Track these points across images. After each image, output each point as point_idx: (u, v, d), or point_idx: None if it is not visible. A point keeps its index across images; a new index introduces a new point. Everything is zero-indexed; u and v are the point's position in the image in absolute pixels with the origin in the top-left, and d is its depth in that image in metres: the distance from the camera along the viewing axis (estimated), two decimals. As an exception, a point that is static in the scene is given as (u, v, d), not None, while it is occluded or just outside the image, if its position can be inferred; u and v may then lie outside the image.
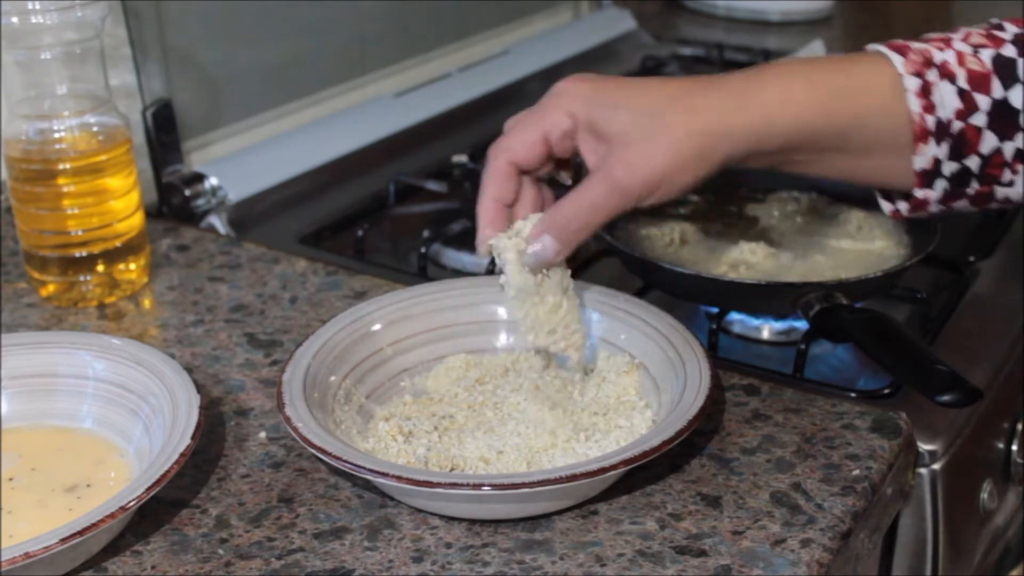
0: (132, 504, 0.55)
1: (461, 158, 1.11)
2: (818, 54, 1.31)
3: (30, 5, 0.77)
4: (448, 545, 0.58)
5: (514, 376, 0.69)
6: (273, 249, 0.90)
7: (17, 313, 0.82)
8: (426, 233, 0.92)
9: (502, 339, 0.72)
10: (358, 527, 0.59)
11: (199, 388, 0.64)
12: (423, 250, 0.89)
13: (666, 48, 1.48)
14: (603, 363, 0.69)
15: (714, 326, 0.77)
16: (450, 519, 0.60)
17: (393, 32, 1.21)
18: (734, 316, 0.82)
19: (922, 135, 0.58)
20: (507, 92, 1.28)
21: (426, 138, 1.16)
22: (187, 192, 0.98)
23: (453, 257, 0.93)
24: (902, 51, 0.59)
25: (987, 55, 0.59)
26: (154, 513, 0.61)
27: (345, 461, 0.57)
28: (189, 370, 0.66)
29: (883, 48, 0.60)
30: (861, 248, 0.83)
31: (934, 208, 0.61)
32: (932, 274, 0.86)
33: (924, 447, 0.68)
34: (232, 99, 1.06)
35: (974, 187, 0.60)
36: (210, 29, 1.02)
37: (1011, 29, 0.60)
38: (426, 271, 0.89)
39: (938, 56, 0.59)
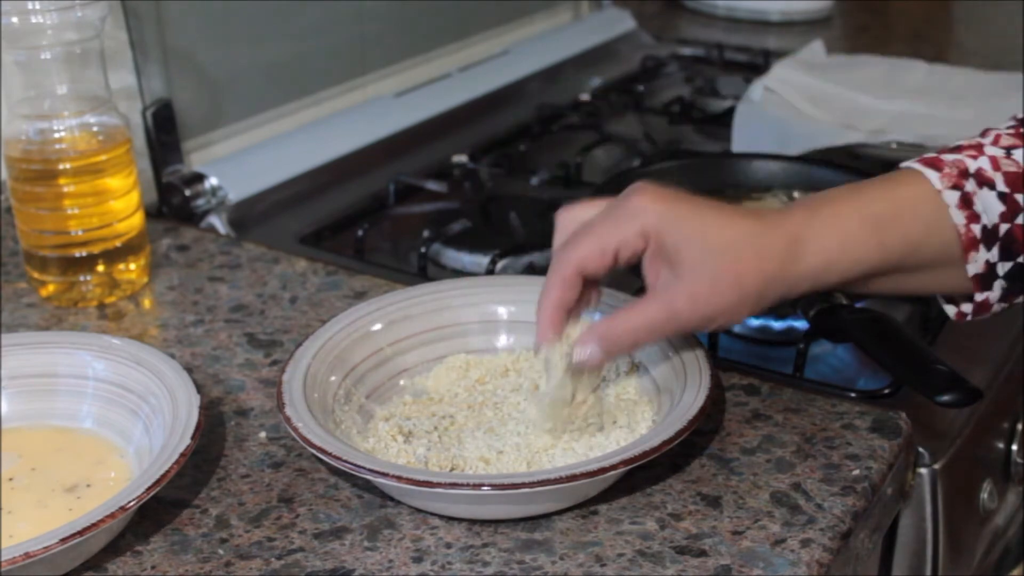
0: (132, 504, 0.55)
1: (461, 158, 1.11)
2: (818, 54, 1.31)
3: (30, 5, 0.77)
4: (448, 545, 0.58)
5: (514, 376, 0.70)
6: (273, 249, 0.90)
7: (17, 313, 0.82)
8: (426, 233, 0.92)
9: (502, 339, 0.72)
10: (358, 527, 0.59)
11: (199, 388, 0.64)
12: (423, 250, 0.89)
13: (666, 48, 1.48)
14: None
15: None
16: (450, 519, 0.60)
17: (393, 32, 1.21)
18: (734, 316, 0.81)
19: (971, 244, 0.59)
20: (507, 92, 1.28)
21: (426, 138, 1.16)
22: (187, 192, 0.98)
23: (453, 257, 0.93)
24: (936, 166, 0.60)
25: (1020, 155, 0.60)
26: (154, 513, 0.61)
27: (345, 461, 0.57)
28: (189, 370, 0.66)
29: (917, 166, 0.60)
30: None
31: (996, 308, 0.62)
32: (932, 274, 0.86)
33: (924, 447, 0.68)
34: (232, 99, 1.06)
35: None
36: (210, 29, 1.02)
37: None
38: (426, 271, 0.89)
39: (972, 165, 0.59)
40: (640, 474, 0.62)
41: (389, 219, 1.01)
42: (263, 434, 0.67)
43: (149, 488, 0.56)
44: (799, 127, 1.08)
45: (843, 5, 1.64)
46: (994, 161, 0.59)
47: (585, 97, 1.28)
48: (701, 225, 0.58)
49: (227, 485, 0.63)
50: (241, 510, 0.61)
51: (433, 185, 1.04)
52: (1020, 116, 0.62)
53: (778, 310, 0.79)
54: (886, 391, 0.71)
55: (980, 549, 0.78)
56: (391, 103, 1.18)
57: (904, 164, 0.61)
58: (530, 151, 1.13)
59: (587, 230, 0.60)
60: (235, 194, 1.00)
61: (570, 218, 0.62)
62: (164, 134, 0.99)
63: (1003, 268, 0.60)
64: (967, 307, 0.63)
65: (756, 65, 1.39)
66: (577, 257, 0.59)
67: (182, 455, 0.58)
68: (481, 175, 1.07)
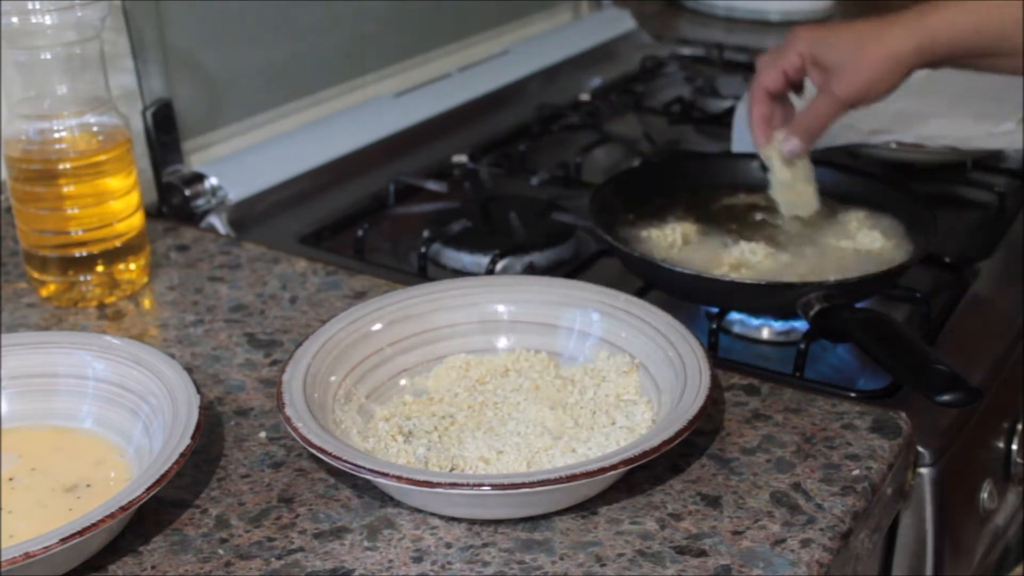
0: (132, 504, 0.55)
1: (461, 158, 1.11)
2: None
3: (30, 5, 0.77)
4: (448, 545, 0.58)
5: (514, 376, 0.70)
6: (273, 249, 0.90)
7: (17, 313, 0.82)
8: (426, 233, 0.92)
9: (502, 339, 0.72)
10: (358, 527, 0.59)
11: (199, 388, 0.64)
12: (423, 250, 0.89)
13: (666, 48, 1.48)
14: (603, 363, 0.69)
15: (714, 326, 0.77)
16: (450, 519, 0.60)
17: (393, 32, 1.21)
18: (734, 316, 0.81)
19: None
20: (507, 92, 1.28)
21: (426, 138, 1.16)
22: (187, 192, 0.98)
23: (453, 257, 0.93)
24: None
25: None
26: (154, 513, 0.61)
27: (345, 461, 0.57)
28: (189, 370, 0.66)
29: None
30: (861, 248, 0.83)
31: None
32: (932, 274, 0.86)
33: (924, 447, 0.68)
34: (232, 99, 1.06)
35: None
36: (210, 29, 1.02)
37: None
38: (426, 271, 0.89)
39: None
40: (640, 474, 0.62)
41: (389, 219, 1.01)
42: (263, 434, 0.67)
43: (149, 488, 0.56)
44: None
45: (843, 5, 1.64)
46: None
47: (585, 97, 1.28)
48: (837, 34, 0.82)
49: (227, 485, 0.63)
50: (241, 510, 0.61)
51: (433, 185, 1.04)
52: None
53: (778, 310, 0.79)
54: (886, 391, 0.71)
55: (980, 549, 0.78)
56: (391, 103, 1.18)
57: None
58: (530, 151, 1.13)
59: (765, 62, 0.86)
60: (235, 194, 1.00)
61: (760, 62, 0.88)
62: (164, 134, 0.99)
63: None
64: None
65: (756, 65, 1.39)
66: (761, 80, 0.86)
67: (182, 455, 0.58)
68: (481, 175, 1.07)
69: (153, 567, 0.57)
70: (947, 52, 0.80)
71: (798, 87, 0.88)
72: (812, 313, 0.73)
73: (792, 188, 0.86)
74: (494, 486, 0.55)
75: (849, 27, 0.82)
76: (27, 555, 0.51)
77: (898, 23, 0.80)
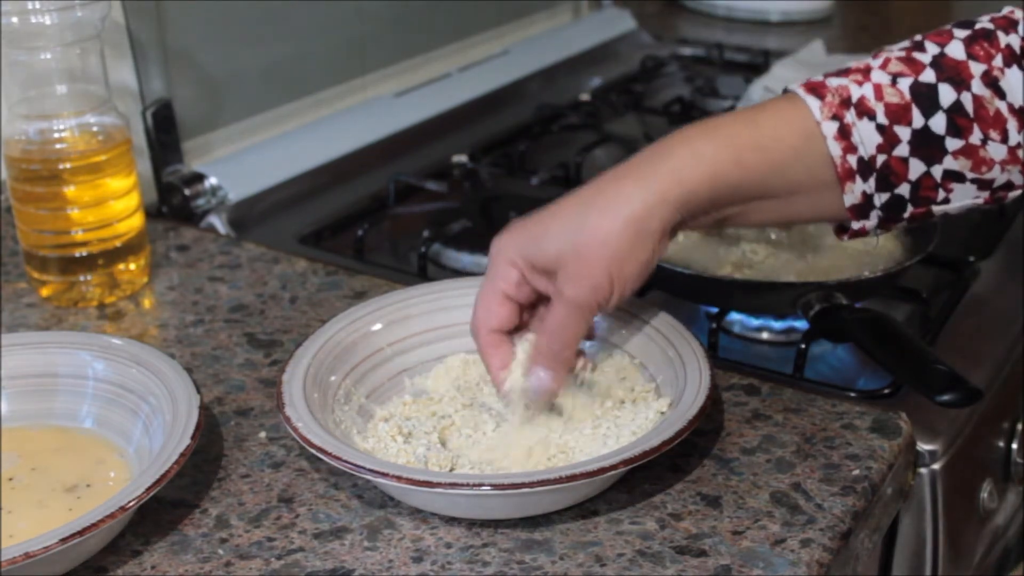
0: (132, 504, 0.55)
1: (461, 158, 1.11)
2: (818, 54, 1.31)
3: (30, 5, 0.77)
4: (448, 545, 0.58)
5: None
6: (273, 249, 0.90)
7: (17, 313, 0.82)
8: (426, 233, 0.92)
9: (502, 339, 0.72)
10: (358, 527, 0.59)
11: (199, 388, 0.64)
12: (423, 250, 0.89)
13: (666, 48, 1.48)
14: (603, 363, 0.69)
15: (714, 326, 0.77)
16: (450, 519, 0.60)
17: (393, 32, 1.21)
18: (734, 316, 0.81)
19: (847, 175, 0.59)
20: (507, 92, 1.28)
21: (426, 138, 1.16)
22: (187, 192, 0.98)
23: (453, 257, 0.93)
24: (820, 93, 0.60)
25: (905, 84, 0.59)
26: (154, 513, 0.61)
27: (345, 461, 0.57)
28: (189, 370, 0.66)
29: (800, 91, 0.60)
30: (861, 248, 0.83)
31: (873, 233, 0.63)
32: (932, 274, 0.86)
33: (924, 447, 0.68)
34: (232, 99, 1.06)
35: (909, 211, 0.61)
36: (210, 29, 1.02)
37: (931, 49, 0.60)
38: (426, 271, 0.89)
39: (855, 92, 0.59)
40: (640, 474, 0.62)
41: (389, 219, 1.01)
42: (263, 434, 0.67)
43: (149, 488, 0.56)
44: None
45: (843, 5, 1.64)
46: (878, 90, 0.59)
47: (585, 97, 1.28)
48: (546, 222, 0.61)
49: (227, 485, 0.63)
50: (241, 510, 0.61)
51: (433, 185, 1.04)
52: (916, 37, 0.61)
53: (778, 310, 0.79)
54: (886, 391, 0.71)
55: (980, 549, 0.78)
56: (391, 103, 1.18)
57: (791, 87, 0.61)
58: (530, 151, 1.12)
59: (478, 294, 0.65)
60: (235, 194, 1.00)
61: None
62: (164, 134, 0.99)
63: (880, 199, 0.60)
64: (844, 235, 0.63)
65: (756, 65, 1.39)
66: (480, 321, 0.64)
67: (182, 455, 0.58)
68: (481, 175, 1.07)
69: (153, 567, 0.57)
70: (708, 197, 0.60)
71: (540, 297, 0.65)
72: (812, 313, 0.73)
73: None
74: (494, 486, 0.55)
75: (566, 204, 0.61)
76: (27, 555, 0.51)
77: (628, 177, 0.60)
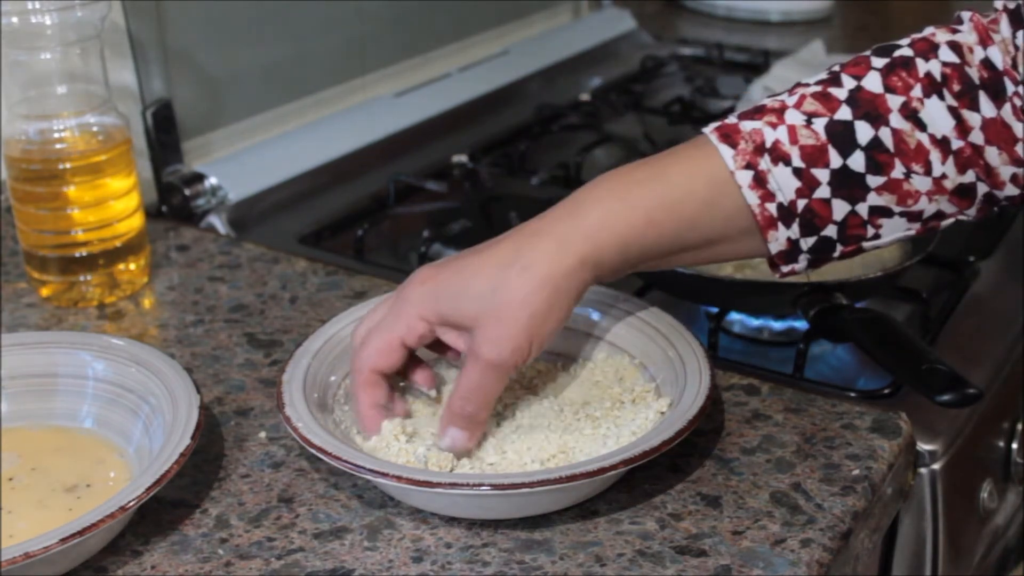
0: (132, 504, 0.55)
1: (461, 158, 1.11)
2: (818, 54, 1.31)
3: (30, 5, 0.77)
4: (448, 545, 0.58)
5: (514, 376, 0.69)
6: (273, 249, 0.90)
7: (17, 313, 0.82)
8: (426, 233, 0.92)
9: (502, 339, 0.72)
10: (358, 527, 0.59)
11: (199, 388, 0.64)
12: (423, 250, 0.89)
13: (666, 48, 1.48)
14: (603, 363, 0.69)
15: (714, 326, 0.77)
16: (450, 519, 0.60)
17: (393, 32, 1.21)
18: (734, 316, 0.81)
19: (768, 223, 0.58)
20: (507, 92, 1.28)
21: (426, 138, 1.16)
22: (187, 192, 0.98)
23: (453, 257, 0.93)
24: (732, 139, 0.58)
25: (820, 124, 0.57)
26: (154, 513, 0.61)
27: (345, 461, 0.57)
28: (189, 370, 0.66)
29: (713, 138, 0.59)
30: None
31: (804, 272, 0.62)
32: (932, 274, 0.86)
33: (924, 447, 0.68)
34: (232, 99, 1.06)
35: (839, 250, 0.60)
36: (210, 29, 1.02)
37: (847, 83, 0.58)
38: (426, 271, 0.89)
39: (769, 137, 0.58)
40: (640, 474, 0.62)
41: (389, 219, 1.01)
42: (263, 434, 0.67)
43: (149, 488, 0.56)
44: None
45: (843, 5, 1.64)
46: (792, 131, 0.57)
47: (585, 97, 1.28)
48: (464, 279, 0.59)
49: (227, 485, 0.63)
50: (241, 510, 0.61)
51: (433, 185, 1.04)
52: (834, 67, 0.59)
53: (778, 310, 0.79)
54: (886, 391, 0.71)
55: (980, 549, 0.78)
56: (391, 103, 1.17)
57: (705, 129, 0.60)
58: (530, 151, 1.12)
59: (374, 330, 0.62)
60: (235, 194, 1.00)
61: (363, 328, 0.64)
62: (164, 134, 0.99)
63: (807, 243, 0.59)
64: (776, 272, 0.62)
65: (756, 65, 1.39)
66: (369, 360, 0.62)
67: (182, 455, 0.58)
68: (481, 175, 1.07)
69: (153, 567, 0.57)
70: (621, 258, 0.59)
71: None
72: (812, 313, 0.73)
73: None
74: (494, 486, 0.55)
75: (480, 259, 0.60)
76: (27, 555, 0.51)
77: (545, 236, 0.59)
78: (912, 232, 0.60)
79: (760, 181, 0.58)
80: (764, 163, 0.57)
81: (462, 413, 0.60)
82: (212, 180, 0.99)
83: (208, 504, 0.62)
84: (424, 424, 0.65)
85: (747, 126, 0.59)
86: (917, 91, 0.57)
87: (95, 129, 0.81)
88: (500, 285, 0.58)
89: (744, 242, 0.60)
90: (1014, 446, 0.79)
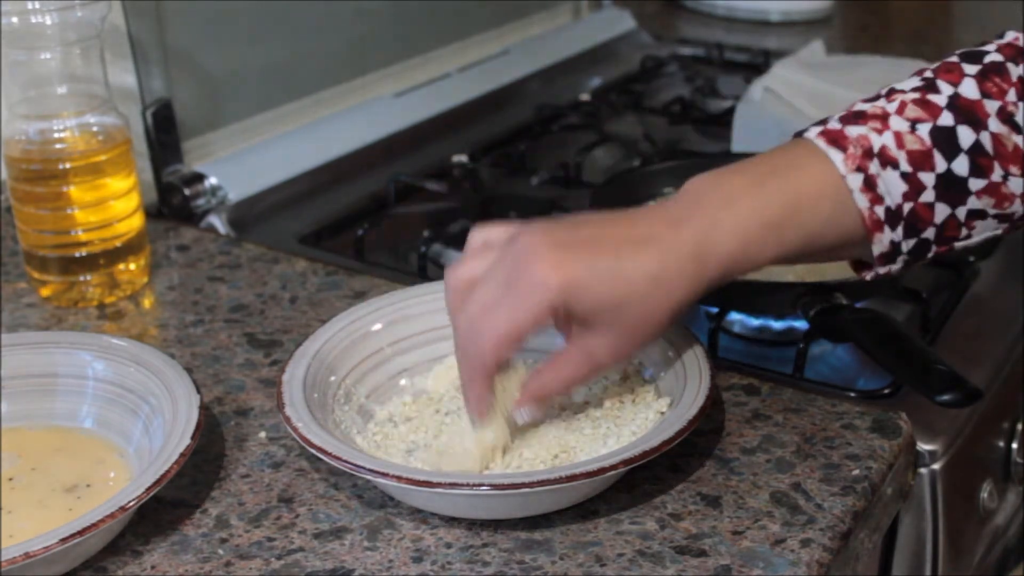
0: (132, 504, 0.55)
1: (461, 158, 1.11)
2: (818, 54, 1.31)
3: (30, 5, 0.77)
4: (448, 545, 0.58)
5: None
6: (273, 249, 0.90)
7: (17, 313, 0.82)
8: (426, 233, 0.91)
9: (502, 339, 0.72)
10: (358, 527, 0.59)
11: (199, 388, 0.64)
12: (423, 250, 0.89)
13: (666, 48, 1.48)
14: (603, 363, 0.69)
15: (714, 326, 0.77)
16: (450, 519, 0.60)
17: (392, 32, 1.21)
18: (734, 316, 0.81)
19: (875, 226, 0.59)
20: (507, 92, 1.28)
21: (426, 138, 1.16)
22: (187, 192, 0.98)
23: (453, 257, 0.93)
24: (840, 144, 0.59)
25: (925, 130, 0.59)
26: (154, 513, 0.61)
27: (345, 461, 0.57)
28: (189, 370, 0.66)
29: (821, 144, 0.60)
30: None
31: (897, 273, 0.63)
32: (932, 274, 0.86)
33: (924, 447, 0.68)
34: (232, 99, 1.06)
35: (933, 251, 0.61)
36: (210, 29, 1.02)
37: (945, 90, 0.59)
38: (426, 271, 0.89)
39: (876, 142, 0.59)
40: (640, 474, 0.62)
41: (389, 219, 1.01)
42: (263, 434, 0.67)
43: (149, 488, 0.56)
44: (799, 127, 1.08)
45: (843, 5, 1.64)
46: (899, 137, 0.59)
47: (585, 97, 1.28)
48: (603, 284, 0.57)
49: (227, 485, 0.63)
50: (241, 510, 0.61)
51: (433, 185, 1.04)
52: (926, 74, 0.61)
53: (778, 310, 0.79)
54: (886, 391, 0.71)
55: (980, 549, 0.78)
56: (391, 103, 1.17)
57: (808, 135, 0.61)
58: (530, 151, 1.12)
59: (491, 314, 0.58)
60: (235, 194, 1.00)
61: (459, 279, 0.60)
62: (164, 134, 0.99)
63: (907, 246, 0.60)
64: (868, 274, 0.63)
65: (756, 65, 1.39)
66: (494, 352, 0.58)
67: (182, 455, 0.58)
68: (481, 175, 1.07)
69: (153, 567, 0.57)
70: (738, 273, 0.60)
71: None
72: (812, 313, 0.73)
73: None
74: (494, 486, 0.55)
75: (620, 260, 0.58)
76: (27, 555, 0.51)
77: (683, 244, 0.58)
78: (999, 232, 0.62)
79: (870, 185, 0.59)
80: (874, 167, 0.59)
81: (546, 395, 0.62)
82: (212, 180, 0.99)
83: (208, 504, 0.62)
84: (422, 424, 0.65)
85: (852, 131, 0.60)
86: (1011, 95, 0.59)
87: (95, 129, 0.81)
88: (638, 303, 0.58)
89: (848, 243, 0.61)
90: (1014, 446, 0.79)
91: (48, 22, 0.78)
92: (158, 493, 0.57)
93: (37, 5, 0.77)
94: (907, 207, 0.59)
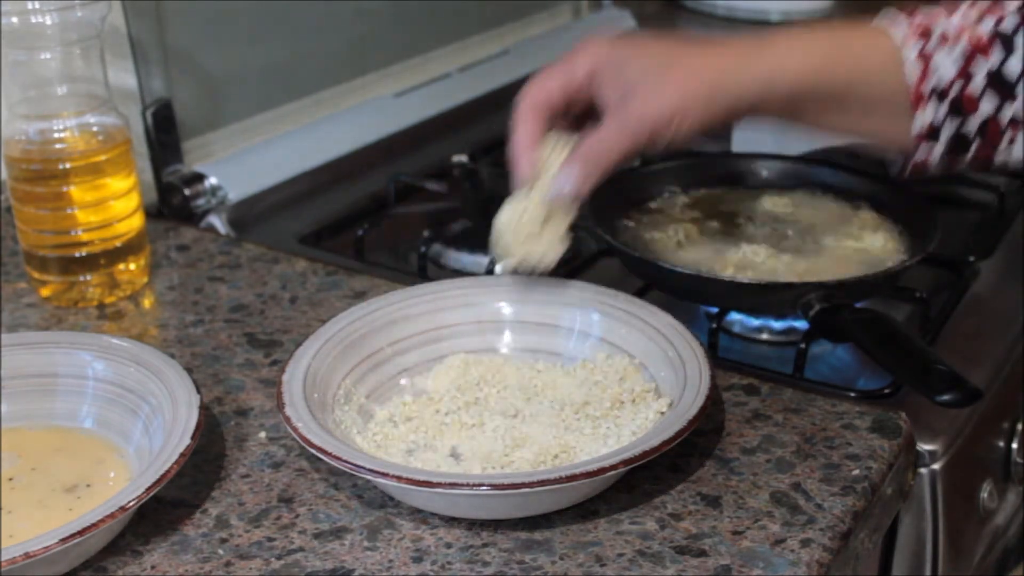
0: (132, 504, 0.55)
1: (461, 158, 1.11)
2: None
3: (30, 5, 0.77)
4: (448, 545, 0.58)
5: (514, 376, 0.69)
6: (273, 249, 0.90)
7: (17, 313, 0.82)
8: (426, 233, 0.91)
9: (502, 339, 0.72)
10: (358, 527, 0.59)
11: (199, 388, 0.64)
12: (423, 250, 0.89)
13: (666, 48, 1.48)
14: (603, 363, 0.69)
15: (714, 326, 0.77)
16: (450, 519, 0.60)
17: (392, 32, 1.21)
18: (734, 316, 0.81)
19: (919, 100, 0.61)
20: (507, 92, 1.27)
21: (426, 138, 1.16)
22: (187, 192, 0.98)
23: (453, 257, 0.93)
24: (903, 20, 0.62)
25: (988, 25, 0.61)
26: (154, 513, 0.61)
27: (345, 461, 0.57)
28: (189, 370, 0.66)
29: (887, 19, 0.63)
30: (861, 248, 0.83)
31: (934, 170, 0.65)
32: (932, 274, 0.86)
33: (924, 447, 0.68)
34: (232, 99, 1.06)
35: (972, 150, 0.62)
36: (210, 29, 1.02)
37: (1013, 2, 0.62)
38: (426, 271, 0.89)
39: (940, 25, 0.61)
40: (640, 474, 0.62)
41: (389, 219, 1.01)
42: (263, 434, 0.67)
43: (149, 488, 0.56)
44: (799, 127, 1.08)
45: (843, 5, 1.64)
46: (960, 26, 0.61)
47: (585, 97, 1.28)
48: (642, 45, 0.64)
49: (227, 485, 0.63)
50: (241, 510, 0.61)
51: (433, 185, 1.04)
52: None
53: (778, 310, 0.79)
54: (886, 391, 0.71)
55: (980, 549, 0.78)
56: (391, 103, 1.17)
57: (882, 13, 0.64)
58: (530, 151, 1.12)
59: (539, 74, 0.66)
60: (235, 194, 1.00)
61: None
62: (164, 134, 0.99)
63: (946, 132, 0.62)
64: (908, 161, 0.65)
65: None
66: (530, 91, 0.66)
67: (182, 455, 0.58)
68: (481, 175, 1.07)
69: (153, 567, 0.57)
70: (790, 89, 0.64)
71: (584, 117, 0.68)
72: (812, 313, 0.73)
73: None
74: (494, 486, 0.55)
75: (661, 42, 0.65)
76: (27, 555, 0.51)
77: (731, 52, 0.64)
78: None
79: (924, 58, 0.61)
80: (931, 45, 0.61)
81: (586, 157, 0.65)
82: (212, 180, 0.99)
83: (208, 504, 0.62)
84: (422, 424, 0.65)
85: (916, 18, 0.62)
86: None
87: (95, 129, 0.81)
88: (672, 62, 0.63)
89: (894, 121, 0.63)
90: (1014, 446, 0.79)
91: (48, 22, 0.78)
92: (158, 493, 0.57)
93: (37, 5, 0.77)
94: (954, 91, 0.61)
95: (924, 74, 0.61)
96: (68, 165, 0.80)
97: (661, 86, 0.62)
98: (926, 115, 0.61)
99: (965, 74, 0.60)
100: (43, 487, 0.62)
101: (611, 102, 0.64)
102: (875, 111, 0.63)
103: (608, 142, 0.64)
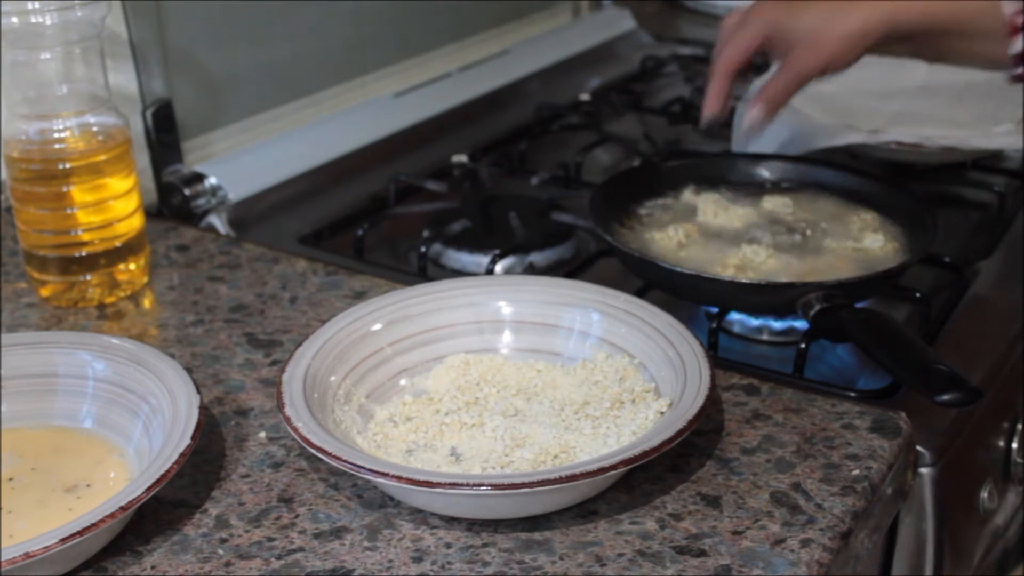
0: (132, 504, 0.55)
1: (461, 158, 1.11)
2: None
3: (30, 5, 0.77)
4: (448, 545, 0.58)
5: (514, 376, 0.70)
6: (273, 249, 0.90)
7: (17, 313, 0.82)
8: (426, 233, 0.92)
9: (502, 339, 0.72)
10: (358, 527, 0.59)
11: (199, 388, 0.64)
12: (423, 250, 0.89)
13: (666, 48, 1.48)
14: (603, 363, 0.69)
15: (714, 326, 0.77)
16: (450, 519, 0.60)
17: (392, 32, 1.21)
18: (734, 316, 0.81)
19: (1014, 31, 0.76)
20: (507, 92, 1.28)
21: (426, 138, 1.16)
22: (187, 192, 0.98)
23: (453, 257, 0.93)
24: None
25: None
26: (154, 513, 0.61)
27: (345, 461, 0.57)
28: (189, 370, 0.66)
29: None
30: (861, 248, 0.83)
31: None
32: (932, 274, 0.86)
33: (924, 447, 0.68)
34: (232, 99, 1.06)
35: None
36: (210, 29, 1.02)
37: None
38: (426, 271, 0.89)
39: None
40: (640, 474, 0.62)
41: (389, 219, 1.01)
42: (263, 434, 0.67)
43: (149, 488, 0.56)
44: (799, 127, 1.08)
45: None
46: None
47: (585, 97, 1.28)
48: (800, 9, 0.83)
49: (227, 485, 0.63)
50: (241, 510, 0.61)
51: (433, 185, 1.04)
52: None
53: (778, 310, 0.79)
54: (886, 391, 0.71)
55: (980, 549, 0.78)
56: (390, 103, 1.17)
57: None
58: (530, 151, 1.12)
59: (727, 40, 0.88)
60: (235, 194, 1.00)
61: (724, 32, 0.90)
62: (164, 134, 0.99)
63: None
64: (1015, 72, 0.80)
65: (756, 65, 1.38)
66: (724, 61, 0.88)
67: (182, 455, 0.58)
68: (481, 175, 1.07)
69: (153, 567, 0.57)
70: (913, 28, 0.80)
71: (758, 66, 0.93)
72: (812, 313, 0.73)
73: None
74: (494, 486, 0.55)
75: (815, 3, 0.83)
76: (27, 555, 0.51)
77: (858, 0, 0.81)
78: None
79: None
80: None
81: (772, 97, 0.85)
82: (212, 180, 0.99)
83: (208, 504, 0.62)
84: (422, 424, 0.65)
85: None
86: None
87: (95, 129, 0.81)
88: (827, 19, 0.81)
89: (992, 41, 0.78)
90: (1014, 446, 0.79)
91: (48, 22, 0.78)
92: (158, 493, 0.57)
93: (37, 5, 0.77)
94: None
95: (1019, 11, 0.75)
96: (68, 165, 0.80)
97: (820, 43, 0.81)
98: (1019, 42, 0.76)
99: None
100: (43, 487, 0.62)
101: (780, 55, 0.84)
102: (980, 38, 0.78)
103: (780, 89, 0.84)
